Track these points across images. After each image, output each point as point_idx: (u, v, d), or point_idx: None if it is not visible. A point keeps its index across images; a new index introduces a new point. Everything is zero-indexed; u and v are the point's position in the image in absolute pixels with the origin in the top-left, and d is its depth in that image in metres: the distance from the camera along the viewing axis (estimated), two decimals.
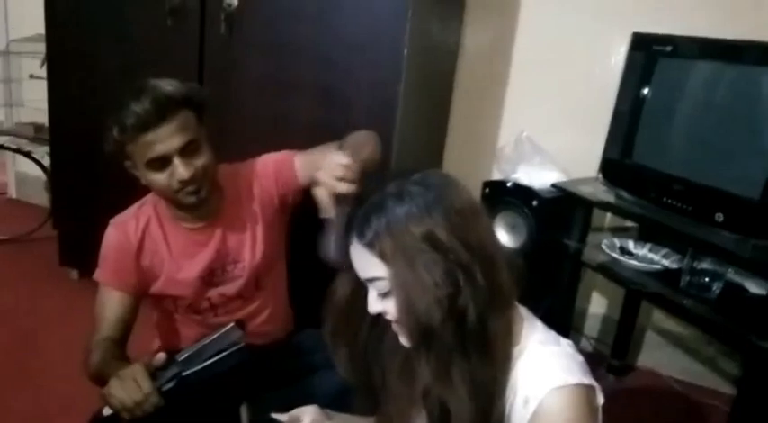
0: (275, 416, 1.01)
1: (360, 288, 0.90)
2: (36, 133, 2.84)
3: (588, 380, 0.82)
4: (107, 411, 1.04)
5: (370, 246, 0.82)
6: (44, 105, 2.42)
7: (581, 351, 0.88)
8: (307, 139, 1.89)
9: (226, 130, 1.98)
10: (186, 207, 1.34)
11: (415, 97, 1.86)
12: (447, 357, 0.82)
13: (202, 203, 1.34)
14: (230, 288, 1.44)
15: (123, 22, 2.15)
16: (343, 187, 1.09)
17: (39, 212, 3.04)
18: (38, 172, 3.03)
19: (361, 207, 0.85)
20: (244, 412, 1.00)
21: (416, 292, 0.79)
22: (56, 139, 2.48)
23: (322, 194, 1.12)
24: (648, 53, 1.72)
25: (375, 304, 0.87)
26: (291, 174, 1.47)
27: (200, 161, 1.29)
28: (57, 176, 2.59)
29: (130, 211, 1.41)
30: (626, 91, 1.78)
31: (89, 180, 2.41)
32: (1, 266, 2.73)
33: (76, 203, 2.49)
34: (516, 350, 0.86)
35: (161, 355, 1.07)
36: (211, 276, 1.42)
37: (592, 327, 2.40)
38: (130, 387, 1.02)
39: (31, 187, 3.34)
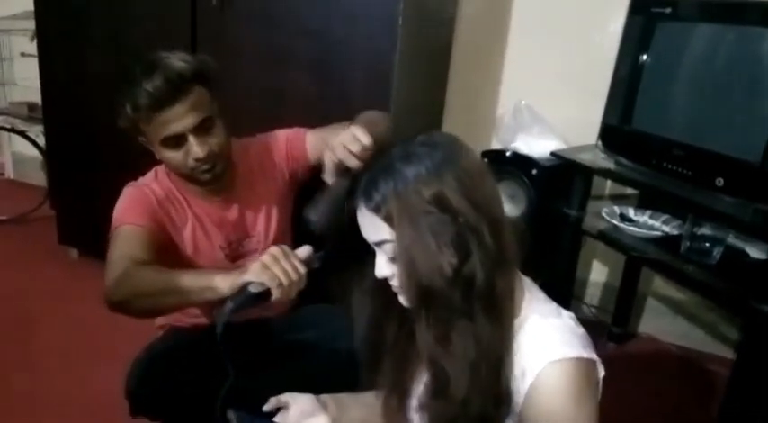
0: (265, 408, 1.00)
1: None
2: (30, 112, 2.82)
3: (588, 353, 0.81)
4: (255, 288, 1.01)
5: (376, 209, 0.80)
6: (37, 83, 2.39)
7: (582, 319, 0.88)
8: (302, 112, 1.89)
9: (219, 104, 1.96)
10: (201, 183, 1.35)
11: (411, 67, 1.83)
12: (453, 321, 0.81)
13: (217, 180, 1.35)
14: (246, 262, 1.42)
15: None
16: (353, 162, 1.03)
17: (36, 192, 3.03)
18: (34, 151, 3.02)
19: (368, 172, 0.84)
20: (231, 415, 1.00)
21: (421, 254, 0.78)
22: (49, 117, 2.46)
23: (329, 160, 1.06)
24: (647, 16, 1.68)
25: (383, 268, 0.85)
26: (302, 150, 1.48)
27: (215, 138, 1.29)
28: (52, 155, 2.58)
29: (147, 178, 1.41)
30: (625, 56, 1.75)
31: (85, 158, 2.39)
32: (1, 247, 2.73)
33: (73, 182, 2.48)
34: (517, 322, 0.85)
35: (306, 248, 1.06)
36: (230, 250, 1.43)
37: (593, 295, 2.41)
38: (287, 264, 1.02)
39: (27, 167, 3.32)
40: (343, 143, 1.02)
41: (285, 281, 1.02)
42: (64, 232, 2.57)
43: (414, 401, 0.96)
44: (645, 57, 1.70)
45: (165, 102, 1.21)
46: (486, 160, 2.03)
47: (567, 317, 0.86)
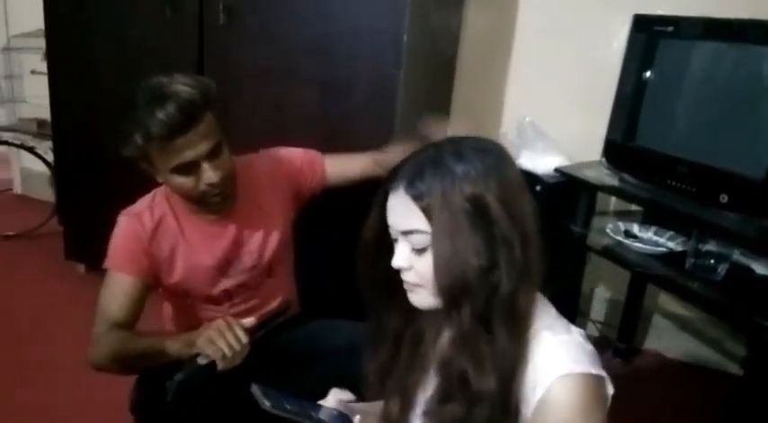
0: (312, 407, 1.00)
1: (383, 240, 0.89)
2: (39, 129, 2.85)
3: (597, 370, 0.81)
4: (202, 360, 1.12)
5: (418, 198, 0.80)
6: (46, 101, 2.42)
7: (587, 335, 0.88)
8: (307, 128, 1.90)
9: (226, 121, 1.98)
10: (210, 205, 1.35)
11: (415, 84, 1.84)
12: (473, 328, 0.81)
13: (226, 202, 1.36)
14: (245, 277, 1.45)
15: (122, 14, 2.15)
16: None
17: (44, 207, 3.05)
18: (42, 167, 3.05)
19: (413, 159, 0.84)
20: (257, 391, 1.00)
21: (456, 254, 0.79)
22: (58, 134, 2.49)
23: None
24: (650, 34, 1.70)
25: (403, 259, 0.85)
26: (320, 173, 1.54)
27: (226, 163, 1.30)
28: (60, 171, 2.60)
29: (142, 203, 1.40)
30: (628, 73, 1.76)
31: (93, 174, 2.41)
32: (8, 261, 2.75)
33: (81, 198, 2.50)
34: (528, 336, 0.85)
35: (250, 320, 1.18)
36: (227, 267, 1.43)
37: (598, 311, 2.40)
38: (230, 336, 1.12)
39: (36, 183, 3.35)
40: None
41: (228, 353, 1.12)
42: (71, 247, 2.58)
43: (417, 410, 0.95)
44: (648, 74, 1.71)
45: (178, 130, 1.20)
46: None
47: (576, 333, 0.86)
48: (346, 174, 1.57)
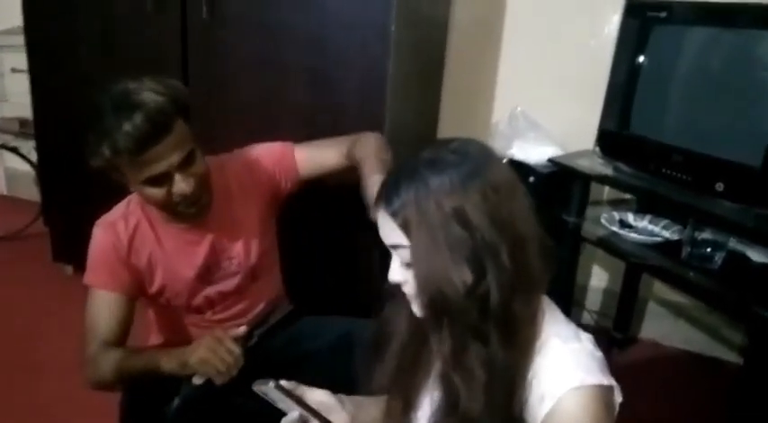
0: (283, 382, 0.96)
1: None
2: (21, 128, 2.79)
3: (607, 380, 0.79)
4: (198, 380, 1.12)
5: (394, 214, 0.78)
6: (28, 99, 2.36)
7: (583, 325, 0.86)
8: (295, 121, 1.87)
9: (212, 116, 1.94)
10: (184, 216, 1.30)
11: (404, 74, 1.81)
12: (464, 339, 0.79)
13: (201, 212, 1.30)
14: (227, 285, 1.40)
15: (103, 9, 2.10)
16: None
17: (31, 208, 2.99)
18: (27, 167, 2.99)
19: (395, 173, 0.81)
20: (259, 386, 0.97)
21: (435, 268, 0.76)
22: (41, 133, 2.44)
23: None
24: (643, 20, 1.67)
25: (396, 273, 0.82)
26: (292, 167, 1.45)
27: (199, 170, 1.24)
28: (44, 171, 2.55)
29: (117, 211, 1.34)
30: (621, 60, 1.74)
31: (78, 174, 2.34)
32: None
33: (66, 198, 2.45)
34: (536, 344, 0.82)
35: (241, 328, 1.17)
36: (208, 274, 1.38)
37: (593, 300, 2.39)
38: (222, 352, 1.11)
39: (20, 182, 3.29)
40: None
41: (223, 369, 1.11)
42: (58, 249, 2.54)
43: (420, 414, 0.93)
44: (641, 61, 1.69)
45: (147, 142, 1.13)
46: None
47: (586, 340, 0.83)
48: (319, 166, 1.47)
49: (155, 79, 1.20)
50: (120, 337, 1.28)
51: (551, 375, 0.79)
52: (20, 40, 2.30)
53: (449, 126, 2.25)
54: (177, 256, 1.35)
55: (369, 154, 1.36)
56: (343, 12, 1.74)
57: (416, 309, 0.84)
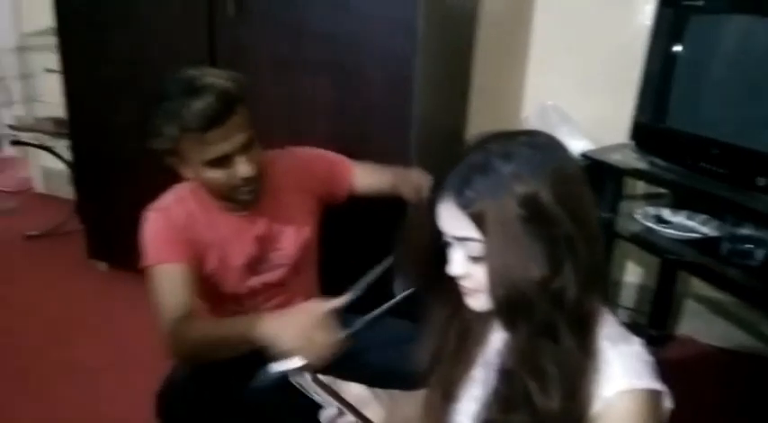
0: (320, 376, 0.96)
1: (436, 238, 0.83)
2: (56, 127, 2.84)
3: (657, 384, 0.78)
4: (296, 363, 1.02)
5: (466, 207, 0.76)
6: (61, 99, 2.40)
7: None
8: (321, 118, 1.87)
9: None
10: (239, 201, 1.33)
11: (432, 69, 1.79)
12: (533, 343, 0.77)
13: (256, 198, 1.33)
14: (273, 276, 1.43)
15: (132, 9, 2.12)
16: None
17: (66, 206, 3.05)
18: (62, 166, 3.05)
19: (459, 164, 0.78)
20: (295, 377, 0.97)
21: (512, 263, 0.74)
22: (75, 132, 2.48)
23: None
24: (678, 9, 1.62)
25: (459, 266, 0.80)
26: (346, 181, 1.52)
27: (258, 156, 1.29)
28: (78, 170, 2.60)
29: (167, 198, 1.37)
30: (656, 51, 1.68)
31: (111, 172, 2.40)
32: (32, 261, 2.77)
33: (100, 195, 2.49)
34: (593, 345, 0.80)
35: (345, 298, 1.11)
36: (256, 264, 1.41)
37: (627, 296, 2.34)
38: (320, 337, 1.05)
39: (56, 181, 3.36)
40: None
41: (322, 355, 1.05)
42: (92, 246, 2.59)
43: (461, 406, 0.92)
44: (677, 51, 1.63)
45: (216, 121, 1.19)
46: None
47: (636, 344, 0.81)
48: (372, 188, 1.54)
49: (215, 69, 1.26)
50: (195, 307, 1.27)
51: (601, 377, 0.77)
52: (52, 40, 2.34)
53: (478, 121, 2.22)
54: (229, 244, 1.37)
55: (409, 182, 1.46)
56: (368, 8, 1.72)
57: (475, 303, 0.82)
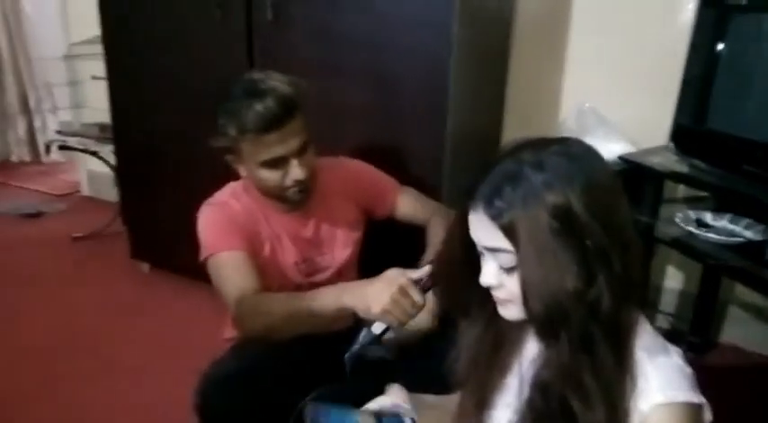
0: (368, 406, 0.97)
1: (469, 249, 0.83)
2: (101, 132, 2.93)
3: (697, 397, 0.76)
4: (378, 329, 1.10)
5: (497, 217, 0.75)
6: (107, 105, 2.48)
7: (657, 328, 0.82)
8: (357, 123, 1.88)
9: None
10: (290, 202, 1.37)
11: (467, 74, 1.79)
12: (573, 357, 0.76)
13: (307, 199, 1.38)
14: (319, 277, 1.46)
15: (174, 18, 2.17)
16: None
17: (110, 208, 3.15)
18: (107, 169, 3.14)
19: (491, 173, 0.77)
20: (308, 412, 0.99)
21: (546, 274, 0.73)
22: (119, 136, 2.55)
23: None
24: (720, 8, 1.59)
25: (492, 277, 0.80)
26: (390, 204, 1.55)
27: (311, 161, 1.33)
28: (122, 173, 2.67)
29: (223, 193, 1.43)
30: (697, 51, 1.65)
31: (153, 175, 2.47)
32: (77, 262, 2.86)
33: (143, 198, 2.56)
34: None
35: (424, 270, 1.11)
36: (304, 265, 1.45)
37: (668, 302, 2.29)
38: (406, 304, 1.08)
39: (101, 184, 3.46)
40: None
41: (405, 320, 1.09)
42: (135, 247, 2.65)
43: (495, 414, 0.92)
44: (719, 52, 1.60)
45: (274, 124, 1.24)
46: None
47: (675, 355, 0.79)
48: (410, 216, 1.56)
49: (279, 74, 1.31)
50: (262, 288, 1.29)
51: (638, 390, 0.76)
52: (98, 48, 2.42)
53: (514, 125, 2.20)
54: (283, 242, 1.42)
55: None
56: (403, 12, 1.73)
57: (508, 313, 0.82)
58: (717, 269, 1.91)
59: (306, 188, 1.35)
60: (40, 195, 3.66)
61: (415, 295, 1.08)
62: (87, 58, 2.96)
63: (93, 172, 3.51)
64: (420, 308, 1.09)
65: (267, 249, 1.40)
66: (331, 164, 1.50)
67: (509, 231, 0.74)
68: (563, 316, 0.74)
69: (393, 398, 1.03)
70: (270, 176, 1.31)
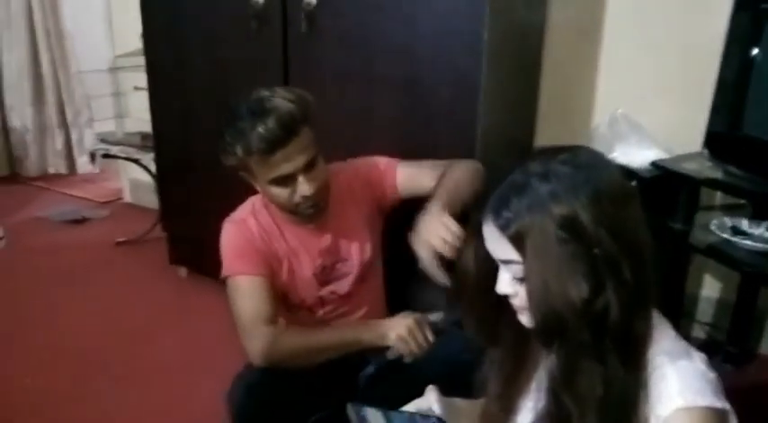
0: (407, 408, 1.00)
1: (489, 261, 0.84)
2: (142, 141, 3.03)
3: (721, 403, 0.74)
4: (392, 355, 1.25)
5: (504, 228, 0.76)
6: (148, 115, 2.57)
7: (694, 338, 0.82)
8: (388, 132, 1.90)
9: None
10: (304, 217, 1.38)
11: (498, 82, 1.79)
12: (576, 358, 0.76)
13: (320, 213, 1.39)
14: (340, 285, 1.48)
15: (212, 30, 2.24)
16: (448, 252, 1.18)
17: (151, 215, 3.23)
18: (148, 177, 3.24)
19: (501, 185, 0.79)
20: (351, 411, 1.01)
21: (551, 285, 0.73)
22: (159, 145, 2.63)
23: (423, 250, 1.21)
24: (756, 12, 1.57)
25: (506, 286, 0.81)
26: (392, 185, 1.51)
27: (321, 175, 1.34)
28: (162, 181, 2.76)
29: (243, 209, 1.45)
30: (731, 57, 1.63)
31: (193, 183, 2.53)
32: (119, 266, 2.95)
33: (182, 206, 2.63)
34: (644, 360, 0.79)
35: (439, 314, 1.28)
36: (323, 275, 1.46)
37: (705, 312, 2.24)
38: (420, 336, 1.24)
39: (142, 191, 3.57)
40: (438, 235, 1.18)
41: (417, 351, 1.23)
42: (174, 252, 2.73)
43: (519, 418, 0.92)
44: (754, 56, 1.58)
45: (278, 144, 1.24)
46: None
47: (698, 360, 0.78)
48: (415, 188, 1.51)
49: (286, 88, 1.32)
50: (275, 316, 1.35)
51: (659, 395, 0.75)
52: (140, 60, 2.51)
53: (546, 132, 2.20)
54: (297, 256, 1.44)
55: (445, 187, 1.38)
56: (434, 22, 1.75)
57: (525, 320, 0.82)
58: (754, 277, 1.87)
59: (317, 203, 1.35)
60: (85, 202, 3.79)
61: (429, 332, 1.24)
62: (131, 70, 3.07)
63: (136, 180, 3.61)
64: (430, 344, 1.23)
65: (285, 267, 1.42)
66: (342, 170, 1.51)
67: (516, 242, 0.75)
68: (560, 325, 0.74)
69: (429, 401, 1.04)
70: (280, 193, 1.32)
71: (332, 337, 1.31)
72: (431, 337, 1.23)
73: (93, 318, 2.47)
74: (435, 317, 1.25)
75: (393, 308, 1.61)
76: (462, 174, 1.44)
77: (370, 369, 1.24)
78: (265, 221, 1.42)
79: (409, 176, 1.51)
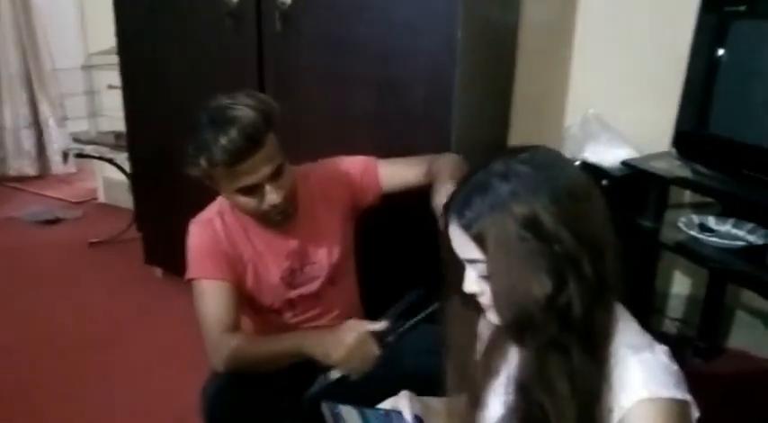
0: (381, 406, 1.00)
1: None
2: (116, 140, 3.00)
3: (682, 394, 0.76)
4: (335, 375, 1.19)
5: (467, 228, 0.77)
6: (122, 114, 2.54)
7: (664, 334, 0.84)
8: (367, 130, 1.91)
9: (286, 126, 2.01)
10: (272, 223, 1.37)
11: (472, 81, 1.81)
12: (545, 353, 0.78)
13: (288, 219, 1.37)
14: (309, 288, 1.47)
15: (186, 28, 2.22)
16: None
17: (125, 214, 3.20)
18: (122, 177, 3.20)
19: (464, 186, 0.80)
20: (325, 409, 1.02)
21: (514, 283, 0.75)
22: (133, 144, 2.61)
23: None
24: (721, 14, 1.60)
25: (472, 284, 0.82)
26: (375, 182, 1.50)
27: (288, 182, 1.32)
28: (137, 180, 2.73)
29: (211, 210, 1.43)
30: (698, 58, 1.66)
31: (167, 182, 2.51)
32: (93, 266, 2.92)
33: (157, 205, 2.61)
34: (607, 353, 0.80)
35: (381, 324, 1.19)
36: (292, 278, 1.45)
37: (675, 308, 2.28)
38: (363, 353, 1.17)
39: (117, 191, 3.53)
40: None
41: (363, 369, 1.18)
42: (149, 253, 2.71)
43: (488, 413, 0.93)
44: (720, 58, 1.61)
45: (242, 156, 1.21)
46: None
47: (660, 352, 0.80)
48: (400, 182, 1.52)
49: (248, 95, 1.28)
50: (236, 323, 1.34)
51: (621, 387, 0.77)
52: (115, 59, 2.48)
53: (520, 131, 2.22)
54: (266, 259, 1.42)
55: (444, 168, 1.39)
56: (409, 21, 1.76)
57: (493, 318, 0.83)
58: (721, 274, 1.92)
59: (285, 210, 1.33)
60: (58, 202, 3.74)
61: (373, 347, 1.17)
62: (104, 68, 3.03)
63: (109, 179, 3.58)
64: (376, 359, 1.18)
65: (250, 271, 1.41)
66: (312, 170, 1.49)
67: (479, 241, 0.77)
68: (529, 321, 0.75)
69: (401, 405, 1.04)
70: (247, 202, 1.30)
71: (280, 347, 1.28)
72: (376, 352, 1.17)
73: (69, 318, 2.45)
74: (381, 326, 1.18)
75: (368, 308, 1.62)
76: (450, 161, 1.45)
77: (315, 387, 1.18)
78: (231, 223, 1.40)
79: (393, 171, 1.50)
